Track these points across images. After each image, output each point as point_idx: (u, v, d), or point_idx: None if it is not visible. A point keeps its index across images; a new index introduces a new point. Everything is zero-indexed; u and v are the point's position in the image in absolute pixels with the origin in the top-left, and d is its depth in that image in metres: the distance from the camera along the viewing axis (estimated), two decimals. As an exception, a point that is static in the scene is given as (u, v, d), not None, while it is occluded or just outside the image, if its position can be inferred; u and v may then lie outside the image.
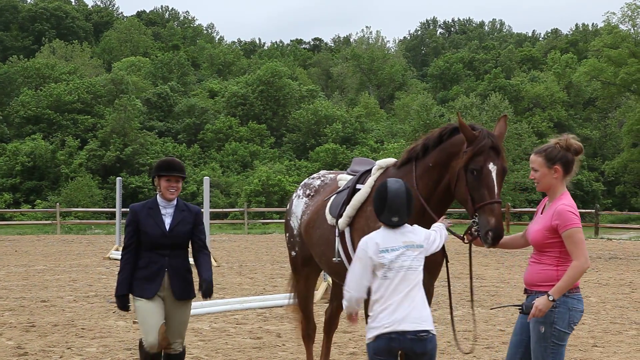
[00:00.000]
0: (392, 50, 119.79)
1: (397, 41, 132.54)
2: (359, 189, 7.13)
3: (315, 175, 8.55)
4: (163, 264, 6.88)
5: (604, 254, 24.42)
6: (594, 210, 37.86)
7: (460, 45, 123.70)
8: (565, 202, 5.84)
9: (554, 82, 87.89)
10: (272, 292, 15.73)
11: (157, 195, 7.04)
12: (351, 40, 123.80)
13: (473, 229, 6.13)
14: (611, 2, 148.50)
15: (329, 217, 7.38)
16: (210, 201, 24.26)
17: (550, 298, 5.58)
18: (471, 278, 6.87)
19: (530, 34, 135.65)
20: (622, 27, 72.31)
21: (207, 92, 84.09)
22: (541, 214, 5.98)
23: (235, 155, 69.71)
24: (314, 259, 7.97)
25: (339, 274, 7.29)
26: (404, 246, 5.74)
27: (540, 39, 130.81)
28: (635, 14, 71.18)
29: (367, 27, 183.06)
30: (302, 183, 8.52)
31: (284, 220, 8.94)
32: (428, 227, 6.36)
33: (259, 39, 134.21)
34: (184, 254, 7.06)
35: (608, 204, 70.36)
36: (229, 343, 10.62)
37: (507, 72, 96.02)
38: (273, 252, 25.35)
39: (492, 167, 6.10)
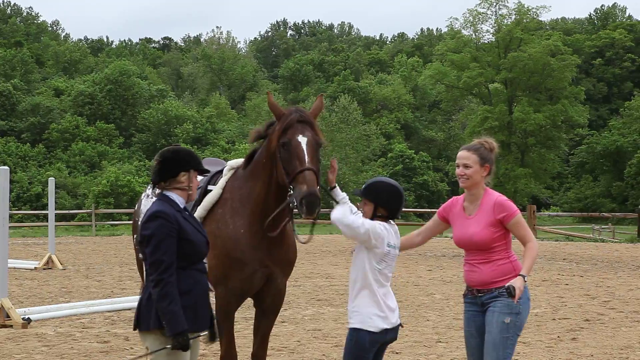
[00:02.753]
0: (243, 51, 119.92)
1: (247, 42, 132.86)
2: (211, 190, 6.97)
3: None
4: (205, 282, 5.30)
5: (448, 252, 25.21)
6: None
7: (310, 47, 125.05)
8: (498, 195, 5.94)
9: (401, 84, 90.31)
10: (121, 295, 15.43)
11: (170, 195, 5.27)
12: (202, 40, 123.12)
13: (290, 205, 5.99)
14: (454, 8, 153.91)
15: None
16: (56, 203, 23.57)
17: (526, 278, 5.63)
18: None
19: (378, 37, 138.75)
20: (464, 32, 75.15)
21: (53, 90, 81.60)
22: (468, 216, 5.93)
23: (82, 156, 68.02)
24: None
25: None
26: (394, 246, 5.81)
27: (388, 42, 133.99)
28: (477, 20, 74.01)
29: (217, 27, 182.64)
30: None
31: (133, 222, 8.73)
32: (275, 225, 6.44)
33: (107, 37, 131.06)
34: None
35: (452, 204, 72.67)
36: (74, 348, 10.34)
37: (356, 74, 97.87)
38: (122, 254, 24.86)
39: (301, 138, 6.06)
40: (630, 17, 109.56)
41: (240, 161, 7.10)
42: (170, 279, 4.98)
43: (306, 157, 5.98)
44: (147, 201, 8.01)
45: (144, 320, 5.07)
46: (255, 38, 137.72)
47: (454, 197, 6.14)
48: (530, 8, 72.31)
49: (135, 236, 8.20)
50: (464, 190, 6.05)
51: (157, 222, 5.06)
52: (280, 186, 6.28)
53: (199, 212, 6.81)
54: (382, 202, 5.72)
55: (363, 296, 5.63)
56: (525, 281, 5.63)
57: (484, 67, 71.09)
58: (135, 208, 8.39)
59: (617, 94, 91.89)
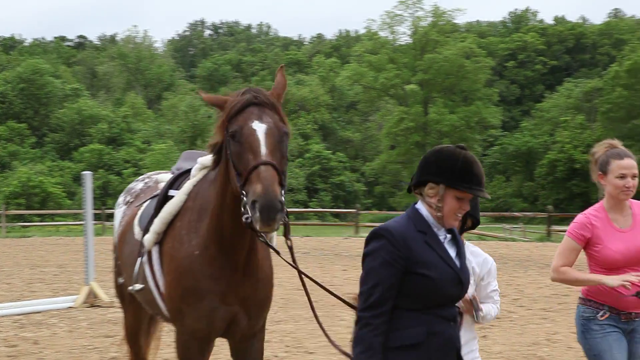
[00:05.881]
0: (160, 50, 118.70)
1: (164, 41, 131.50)
2: (172, 197, 5.42)
3: (141, 177, 6.89)
4: (452, 335, 3.88)
5: (364, 252, 25.45)
6: (355, 210, 39.31)
7: (228, 47, 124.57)
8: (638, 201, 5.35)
9: (319, 85, 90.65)
10: (30, 298, 15.11)
11: (421, 209, 3.91)
12: (118, 39, 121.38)
13: (243, 219, 4.46)
14: (372, 10, 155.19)
15: (137, 229, 5.73)
16: (-37, 204, 22.96)
17: None
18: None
19: (296, 38, 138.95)
20: (381, 34, 75.83)
21: (-38, 89, 79.49)
22: (622, 228, 5.20)
23: (-8, 156, 66.51)
24: None
25: (151, 303, 5.63)
26: None
27: (306, 43, 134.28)
28: (394, 22, 74.82)
29: (134, 26, 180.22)
30: (126, 188, 6.84)
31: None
32: (236, 254, 5.07)
33: (20, 35, 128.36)
34: None
35: (368, 204, 73.30)
36: (-19, 353, 10.10)
37: (274, 74, 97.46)
38: (32, 257, 24.34)
39: (257, 125, 4.59)
40: (542, 20, 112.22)
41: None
42: (374, 320, 3.72)
43: (263, 148, 4.50)
44: (118, 212, 6.68)
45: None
46: (172, 37, 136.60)
47: (586, 215, 5.28)
48: (445, 11, 73.42)
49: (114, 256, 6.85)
50: (608, 201, 5.24)
51: (376, 243, 3.80)
52: (237, 198, 4.70)
53: (156, 226, 5.36)
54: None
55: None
56: None
57: (401, 68, 71.86)
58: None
59: (529, 96, 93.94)
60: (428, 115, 70.14)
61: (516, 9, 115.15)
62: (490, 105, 74.02)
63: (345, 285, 16.72)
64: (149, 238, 5.35)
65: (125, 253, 5.97)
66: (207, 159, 5.27)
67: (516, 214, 39.20)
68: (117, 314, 13.01)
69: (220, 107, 4.85)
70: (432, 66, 69.78)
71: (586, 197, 65.13)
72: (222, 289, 5.01)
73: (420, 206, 3.88)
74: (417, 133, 68.63)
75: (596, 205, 5.29)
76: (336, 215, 60.52)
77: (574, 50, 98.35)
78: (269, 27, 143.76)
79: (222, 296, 5.02)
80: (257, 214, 4.26)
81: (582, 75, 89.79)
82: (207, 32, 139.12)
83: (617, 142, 5.26)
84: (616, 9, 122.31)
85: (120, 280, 6.56)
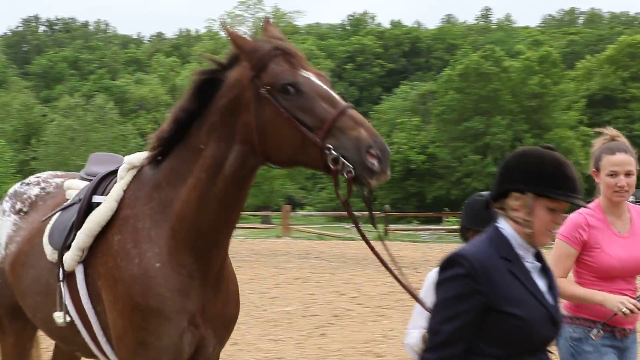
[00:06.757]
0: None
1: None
2: (99, 204, 4.29)
3: (32, 179, 5.33)
4: None
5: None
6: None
7: (64, 44, 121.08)
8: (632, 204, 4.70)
9: (159, 84, 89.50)
10: None
11: (504, 228, 3.20)
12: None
13: (345, 175, 3.71)
14: (213, 9, 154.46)
15: (48, 249, 4.44)
16: None
17: None
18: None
19: (135, 36, 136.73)
20: (223, 34, 75.63)
21: None
22: (621, 233, 4.52)
23: None
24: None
25: (67, 339, 4.56)
26: None
27: (145, 41, 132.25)
28: (235, 22, 74.81)
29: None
30: (11, 191, 5.29)
31: None
32: (211, 260, 4.08)
33: None
34: None
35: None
36: None
37: (112, 73, 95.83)
38: None
39: (307, 74, 3.85)
40: (379, 24, 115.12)
41: (143, 156, 4.33)
42: None
43: (334, 95, 3.81)
44: (6, 221, 5.09)
45: None
46: (4, 33, 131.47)
47: (582, 214, 4.55)
48: (286, 12, 74.06)
49: None
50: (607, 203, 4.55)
51: (450, 271, 3.10)
52: (233, 182, 3.95)
53: (80, 240, 4.20)
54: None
55: None
56: None
57: (242, 69, 71.97)
58: None
59: (367, 98, 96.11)
60: (269, 116, 70.57)
61: (355, 12, 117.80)
62: (330, 106, 75.24)
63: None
64: (71, 256, 4.21)
65: (27, 279, 4.64)
66: (137, 157, 4.33)
67: (355, 213, 39.89)
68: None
69: (246, 52, 4.04)
70: (273, 67, 70.28)
71: (421, 197, 67.30)
72: (191, 307, 3.99)
73: (504, 224, 3.18)
74: (258, 134, 68.90)
75: (592, 204, 4.55)
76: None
77: (410, 53, 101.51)
78: (107, 24, 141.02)
79: (191, 316, 4.00)
80: (376, 163, 3.59)
81: (418, 78, 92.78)
82: (42, 28, 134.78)
83: (616, 134, 4.55)
84: (449, 14, 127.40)
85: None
